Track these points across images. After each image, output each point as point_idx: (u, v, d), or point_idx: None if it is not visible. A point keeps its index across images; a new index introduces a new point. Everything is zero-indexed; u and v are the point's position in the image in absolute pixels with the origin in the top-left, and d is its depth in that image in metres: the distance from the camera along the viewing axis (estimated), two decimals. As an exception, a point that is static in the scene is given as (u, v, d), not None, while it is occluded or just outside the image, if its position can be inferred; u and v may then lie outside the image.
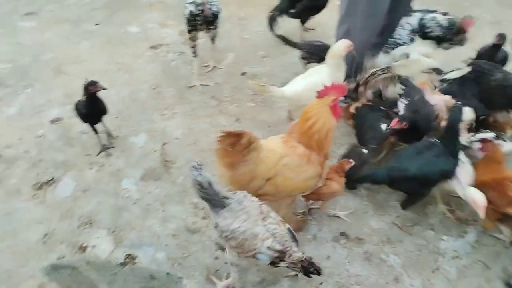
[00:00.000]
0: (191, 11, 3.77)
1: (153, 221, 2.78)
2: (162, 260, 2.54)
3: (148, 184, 3.07)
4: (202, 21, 3.83)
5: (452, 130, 2.60)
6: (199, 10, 3.74)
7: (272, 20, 4.73)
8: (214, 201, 2.08)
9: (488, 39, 3.59)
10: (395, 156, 2.85)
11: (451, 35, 3.63)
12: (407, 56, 3.53)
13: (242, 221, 2.04)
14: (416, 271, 2.48)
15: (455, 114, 2.67)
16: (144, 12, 5.66)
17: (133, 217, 2.81)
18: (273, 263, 2.03)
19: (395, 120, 2.77)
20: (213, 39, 4.20)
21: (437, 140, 2.65)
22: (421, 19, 3.69)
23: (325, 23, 4.99)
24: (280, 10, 4.70)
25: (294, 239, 2.08)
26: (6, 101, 3.96)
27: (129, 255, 2.57)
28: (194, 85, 4.13)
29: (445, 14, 3.69)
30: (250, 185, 2.30)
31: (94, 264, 2.50)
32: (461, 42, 3.72)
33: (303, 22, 4.77)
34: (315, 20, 4.92)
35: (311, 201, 2.81)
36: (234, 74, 4.35)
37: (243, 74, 4.35)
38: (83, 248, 2.60)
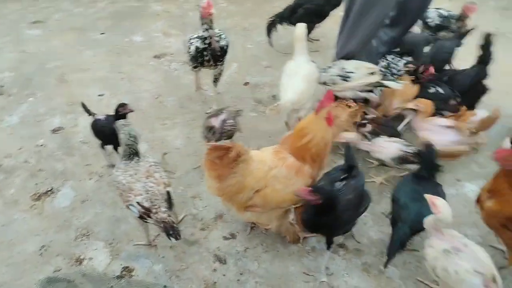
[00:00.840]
0: (197, 47, 3.45)
1: (150, 232, 2.73)
2: (159, 272, 2.51)
3: (147, 194, 3.04)
4: (210, 57, 3.49)
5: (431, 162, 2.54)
6: (206, 44, 3.41)
7: (271, 26, 4.72)
8: (128, 151, 2.47)
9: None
10: (399, 207, 2.43)
11: (449, 23, 3.98)
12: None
13: (128, 175, 2.40)
14: (415, 283, 2.44)
15: (429, 151, 2.56)
16: (150, 22, 5.71)
17: (130, 228, 2.78)
18: (142, 217, 2.32)
19: (307, 190, 2.13)
20: (216, 79, 3.78)
21: (420, 173, 2.55)
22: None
23: (330, 34, 4.98)
24: (281, 17, 4.69)
25: (169, 202, 2.38)
26: (8, 110, 3.99)
27: (126, 267, 2.54)
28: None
29: (448, 11, 4.15)
30: (238, 196, 2.29)
31: (91, 277, 2.47)
32: (460, 30, 3.91)
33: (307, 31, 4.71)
34: (319, 31, 4.91)
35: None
36: (237, 84, 4.35)
37: (245, 84, 4.34)
38: (79, 261, 2.58)
